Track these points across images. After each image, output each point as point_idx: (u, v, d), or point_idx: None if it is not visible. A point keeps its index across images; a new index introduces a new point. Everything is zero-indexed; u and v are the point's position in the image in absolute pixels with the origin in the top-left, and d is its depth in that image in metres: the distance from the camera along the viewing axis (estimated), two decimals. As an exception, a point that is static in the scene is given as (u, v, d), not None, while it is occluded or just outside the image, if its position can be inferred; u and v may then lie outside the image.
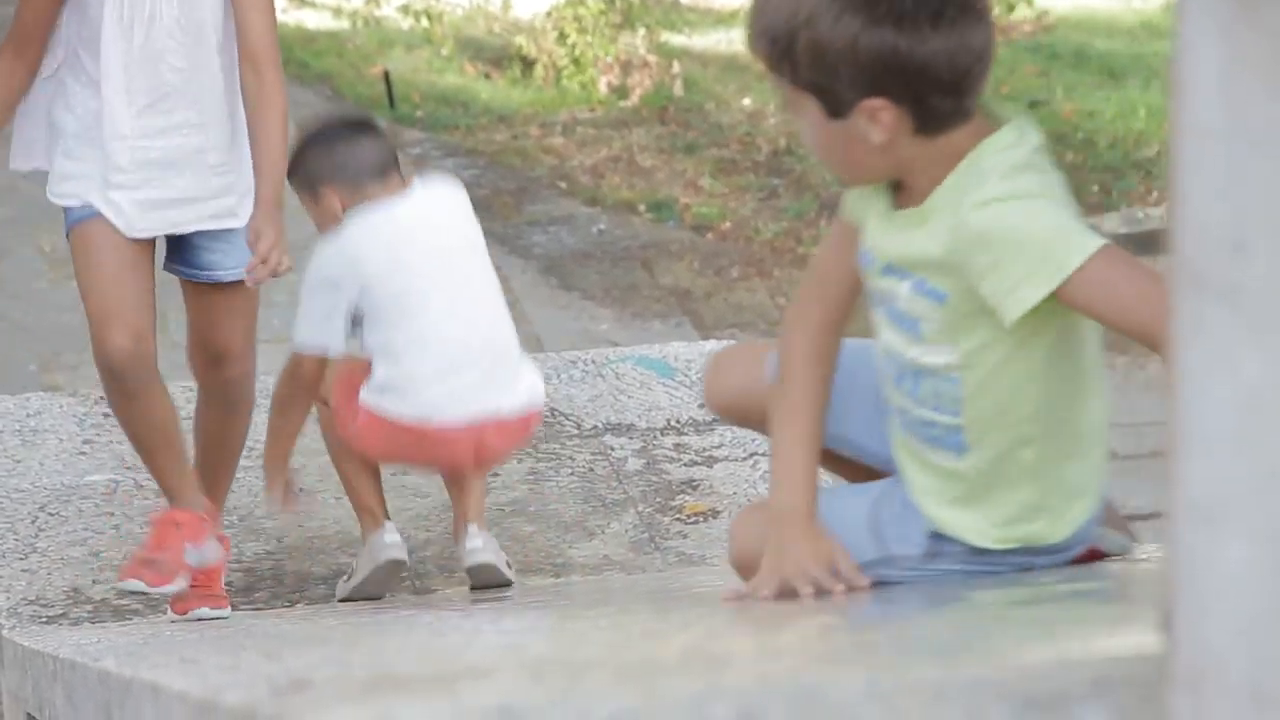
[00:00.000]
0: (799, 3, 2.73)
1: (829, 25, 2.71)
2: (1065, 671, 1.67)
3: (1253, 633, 1.48)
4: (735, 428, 4.67)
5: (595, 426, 5.28)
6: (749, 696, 1.62)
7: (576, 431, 5.26)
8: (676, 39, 13.45)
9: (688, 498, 4.99)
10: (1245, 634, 1.48)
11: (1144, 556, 3.09)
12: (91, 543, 4.69)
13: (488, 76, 12.67)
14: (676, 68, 12.59)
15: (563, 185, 11.22)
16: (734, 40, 13.56)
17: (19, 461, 5.09)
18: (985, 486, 2.83)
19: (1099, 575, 2.88)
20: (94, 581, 4.51)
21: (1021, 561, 2.87)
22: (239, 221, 4.21)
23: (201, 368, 4.42)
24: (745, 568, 3.04)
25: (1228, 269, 1.48)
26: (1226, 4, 1.49)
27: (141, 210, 4.17)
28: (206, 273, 4.29)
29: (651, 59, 12.66)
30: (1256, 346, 1.47)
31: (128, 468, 5.01)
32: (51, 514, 4.83)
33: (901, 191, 2.81)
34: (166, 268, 4.37)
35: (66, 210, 4.22)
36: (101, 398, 5.43)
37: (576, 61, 12.43)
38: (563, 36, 12.52)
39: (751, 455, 5.09)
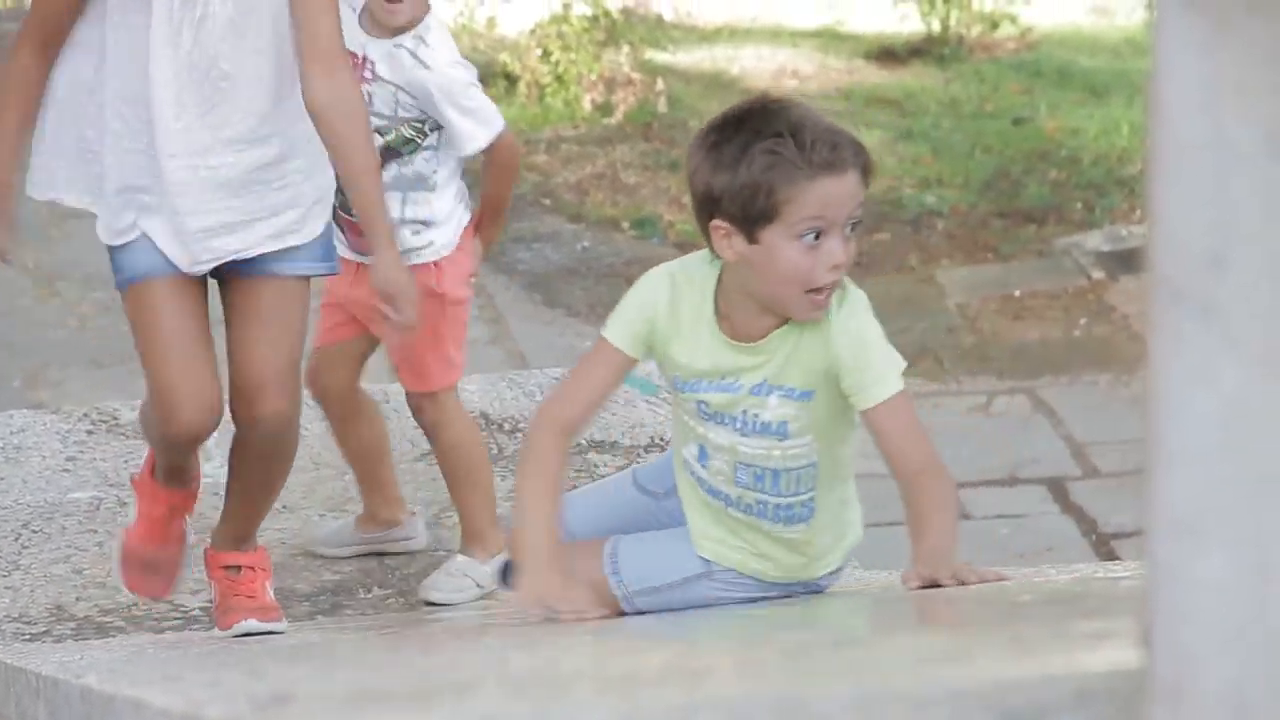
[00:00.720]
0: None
1: None
2: (1047, 684, 1.67)
3: (1237, 641, 1.48)
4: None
5: (579, 444, 5.28)
6: (733, 707, 1.62)
7: (560, 448, 5.26)
8: (661, 56, 13.45)
9: (671, 514, 4.98)
10: (1229, 643, 1.49)
11: (1125, 574, 3.10)
12: (75, 560, 4.68)
13: (472, 94, 12.67)
14: (660, 85, 12.59)
15: (547, 202, 11.22)
16: (717, 57, 13.58)
17: (2, 479, 5.08)
18: (823, 526, 3.29)
19: (1081, 592, 2.88)
20: (77, 599, 4.50)
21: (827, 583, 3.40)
22: (302, 238, 3.81)
23: (237, 401, 3.86)
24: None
25: (1206, 283, 1.49)
26: (1205, 20, 1.50)
27: (200, 240, 3.76)
28: (260, 265, 3.82)
29: (636, 76, 12.66)
30: (1235, 359, 1.47)
31: (111, 485, 5.00)
32: (35, 531, 4.82)
33: (725, 321, 3.18)
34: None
35: (118, 253, 3.81)
36: (85, 414, 5.42)
37: (560, 78, 12.43)
38: (546, 54, 12.52)
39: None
